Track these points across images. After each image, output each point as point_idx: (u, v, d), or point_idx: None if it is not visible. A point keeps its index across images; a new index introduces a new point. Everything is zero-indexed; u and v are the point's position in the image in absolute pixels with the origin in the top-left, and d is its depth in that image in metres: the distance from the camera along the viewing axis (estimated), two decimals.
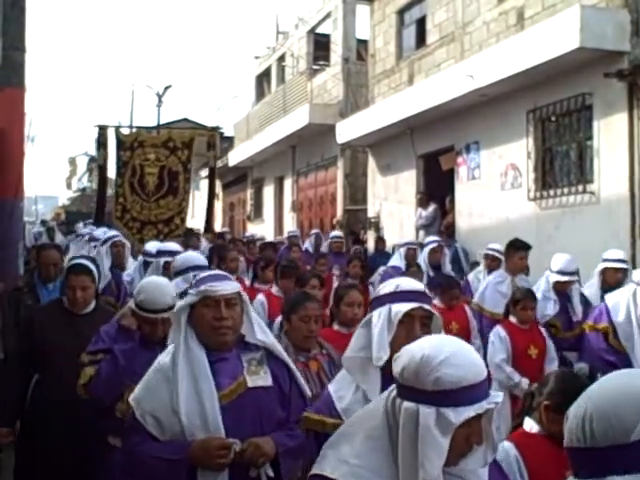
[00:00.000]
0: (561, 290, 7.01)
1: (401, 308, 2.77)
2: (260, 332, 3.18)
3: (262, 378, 3.10)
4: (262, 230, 22.70)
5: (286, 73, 24.20)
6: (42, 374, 4.75)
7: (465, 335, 6.62)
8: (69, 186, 34.78)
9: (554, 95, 11.32)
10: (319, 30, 22.16)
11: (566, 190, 11.27)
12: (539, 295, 6.72)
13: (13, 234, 10.81)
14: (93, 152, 33.19)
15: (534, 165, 11.90)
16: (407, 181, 15.89)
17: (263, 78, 27.41)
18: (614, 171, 10.34)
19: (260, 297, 6.93)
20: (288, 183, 23.31)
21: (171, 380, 2.96)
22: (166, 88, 29.92)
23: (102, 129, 12.70)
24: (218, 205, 27.08)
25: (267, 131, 22.40)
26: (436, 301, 6.81)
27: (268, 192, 25.21)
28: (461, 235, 13.60)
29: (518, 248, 8.03)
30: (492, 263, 8.73)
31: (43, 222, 21.04)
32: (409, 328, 2.76)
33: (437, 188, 14.86)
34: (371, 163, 17.64)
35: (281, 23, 26.24)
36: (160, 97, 28.85)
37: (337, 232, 13.25)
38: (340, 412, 2.77)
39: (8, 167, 8.88)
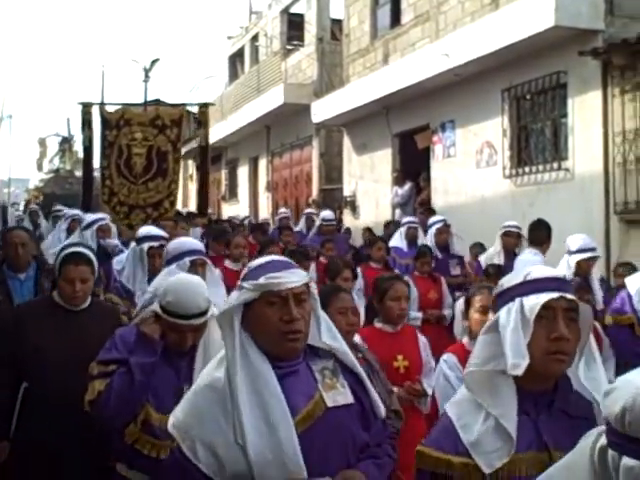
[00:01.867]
0: (584, 272, 6.67)
1: (537, 300, 2.16)
2: (328, 333, 2.54)
3: (341, 394, 2.45)
4: (237, 210, 22.68)
5: (260, 53, 24.12)
6: (33, 382, 4.02)
7: None
8: (40, 167, 34.19)
9: (529, 73, 11.43)
10: (293, 10, 22.11)
11: (541, 167, 11.42)
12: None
13: None
14: (64, 132, 32.74)
15: (509, 143, 12.03)
16: (383, 160, 15.97)
17: (236, 58, 27.28)
18: (588, 148, 10.49)
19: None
20: (263, 163, 23.30)
21: (228, 402, 2.30)
22: (153, 62, 28.75)
23: (86, 106, 11.77)
24: (192, 186, 27.02)
25: (241, 111, 22.34)
26: None
27: (243, 172, 25.18)
28: (437, 213, 13.72)
29: None
30: (509, 240, 8.40)
31: (26, 205, 19.56)
32: (551, 325, 2.16)
33: (413, 166, 14.95)
34: (346, 142, 17.68)
35: (254, 2, 26.19)
36: (147, 72, 27.87)
37: (328, 213, 12.46)
38: (468, 447, 2.11)
39: None
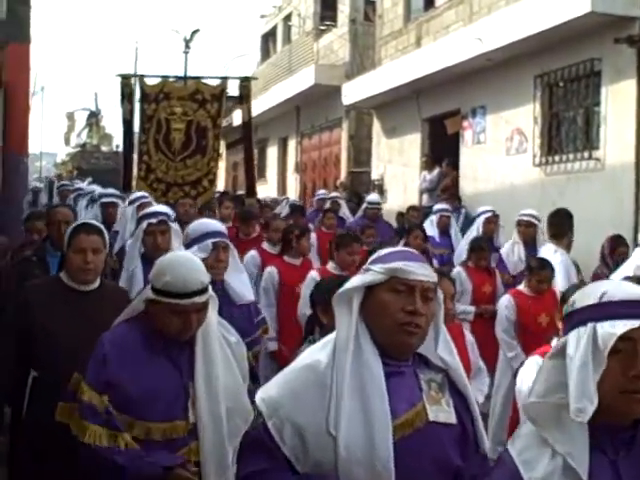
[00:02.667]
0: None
1: (614, 329, 1.75)
2: (444, 346, 2.30)
3: (445, 412, 2.23)
4: (265, 191, 22.67)
5: (292, 33, 23.99)
6: (42, 370, 3.75)
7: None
8: (67, 142, 34.34)
9: (562, 60, 11.23)
10: None
11: (572, 156, 11.24)
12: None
13: (18, 190, 10.87)
14: (92, 106, 32.85)
15: (540, 130, 11.85)
16: (412, 144, 15.84)
17: (269, 37, 27.19)
18: (621, 138, 10.30)
19: (313, 274, 5.88)
20: (292, 144, 23.24)
21: (327, 387, 2.14)
22: (194, 32, 27.61)
23: (125, 79, 11.21)
24: (222, 165, 27.03)
25: (272, 91, 22.25)
26: (522, 287, 6.19)
27: (272, 152, 25.13)
28: (465, 199, 13.59)
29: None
30: (526, 230, 7.86)
31: (51, 181, 18.41)
32: (630, 360, 1.77)
33: (442, 152, 14.80)
34: (376, 125, 17.56)
35: None
36: (187, 43, 26.91)
37: (374, 196, 11.95)
38: None
39: (14, 122, 8.87)
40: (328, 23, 21.16)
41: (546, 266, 5.95)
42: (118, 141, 35.04)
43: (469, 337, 4.74)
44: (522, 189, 12.05)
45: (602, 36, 10.31)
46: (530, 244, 7.77)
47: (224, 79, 11.70)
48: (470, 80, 13.32)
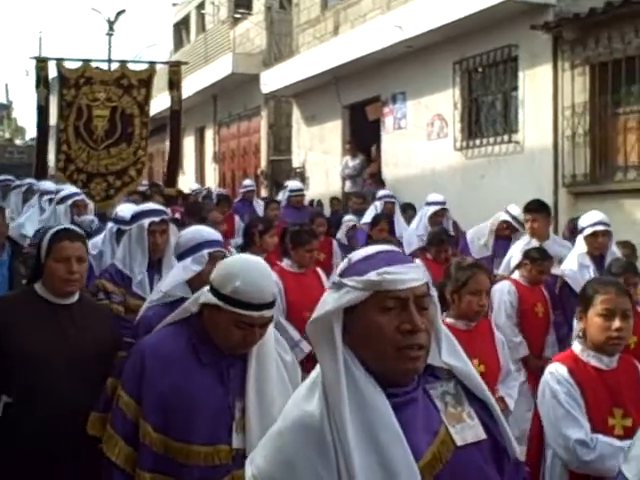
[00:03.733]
0: (597, 251, 5.97)
1: None
2: (449, 350, 1.92)
3: (471, 427, 1.85)
4: (183, 182, 22.44)
5: (206, 21, 23.77)
6: (19, 397, 3.22)
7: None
8: None
9: (480, 46, 11.52)
10: None
11: (492, 140, 11.56)
12: (575, 264, 5.89)
13: None
14: (2, 99, 31.81)
15: (460, 115, 12.13)
16: (332, 131, 15.95)
17: (181, 26, 26.84)
18: (538, 121, 10.64)
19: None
20: (209, 134, 23.06)
21: (329, 445, 1.68)
22: (119, 13, 26.48)
23: (41, 62, 10.56)
24: None
25: (187, 81, 21.94)
26: (516, 276, 5.86)
27: (189, 143, 24.86)
28: (388, 185, 13.79)
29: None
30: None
31: None
32: None
33: (363, 138, 14.95)
34: (296, 113, 17.61)
35: None
36: (111, 24, 25.65)
37: (296, 183, 11.68)
38: None
39: None
40: (243, 11, 21.05)
41: (547, 257, 5.79)
42: (32, 134, 34.11)
43: (499, 336, 4.31)
44: (444, 173, 12.31)
45: (518, 23, 10.61)
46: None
47: (152, 63, 11.26)
48: (389, 67, 13.50)
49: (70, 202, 6.99)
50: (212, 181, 22.26)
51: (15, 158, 25.24)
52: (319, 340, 1.79)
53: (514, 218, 7.17)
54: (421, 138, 13.07)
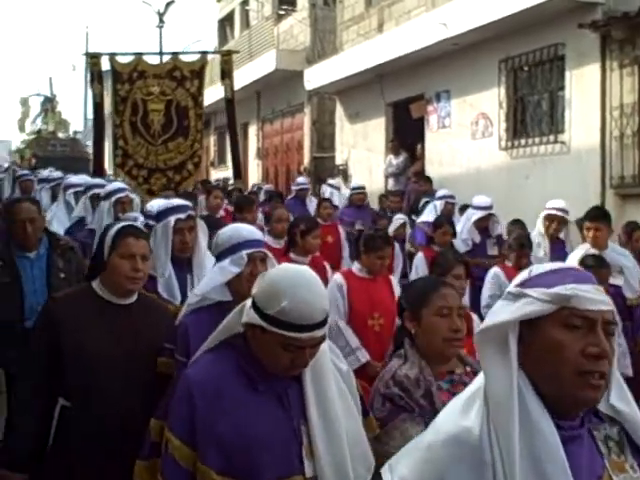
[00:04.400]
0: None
1: None
2: (620, 394, 1.74)
3: None
4: (227, 175, 22.58)
5: (250, 18, 23.83)
6: (73, 398, 3.13)
7: None
8: (22, 129, 33.38)
9: (527, 45, 11.37)
10: None
11: (537, 140, 11.41)
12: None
13: None
14: (46, 92, 32.06)
15: (505, 114, 12.00)
16: (376, 129, 15.90)
17: (226, 22, 26.95)
18: (585, 121, 10.48)
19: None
20: (253, 130, 23.14)
21: (489, 466, 1.57)
22: (168, 4, 25.14)
23: (94, 57, 10.33)
24: None
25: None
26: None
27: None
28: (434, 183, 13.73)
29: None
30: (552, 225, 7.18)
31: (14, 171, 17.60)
32: None
33: (406, 136, 14.89)
34: (339, 110, 17.59)
35: None
36: (161, 16, 24.97)
37: (357, 181, 11.37)
38: None
39: None
40: (287, 8, 21.07)
41: (604, 265, 5.61)
42: (75, 127, 34.42)
43: None
44: (488, 173, 12.20)
45: (566, 21, 10.45)
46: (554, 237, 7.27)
47: (203, 54, 11.04)
48: (434, 64, 13.40)
49: (114, 199, 6.76)
50: (255, 177, 22.35)
51: (58, 151, 25.28)
52: (489, 352, 1.64)
53: (557, 209, 7.15)
54: (465, 137, 12.97)
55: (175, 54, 10.70)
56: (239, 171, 11.08)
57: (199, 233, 4.39)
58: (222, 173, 24.56)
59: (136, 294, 3.29)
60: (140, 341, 3.14)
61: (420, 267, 6.97)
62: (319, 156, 19.06)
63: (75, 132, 30.54)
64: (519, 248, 6.34)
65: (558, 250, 6.81)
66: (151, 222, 4.83)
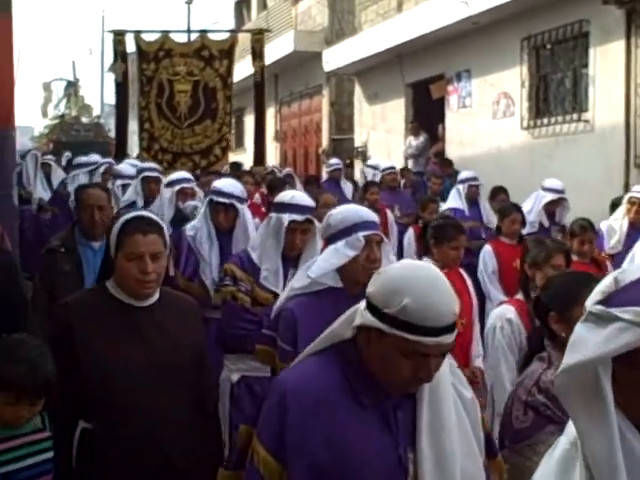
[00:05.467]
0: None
1: None
2: None
3: None
4: (244, 159, 22.52)
5: None
6: (97, 419, 2.75)
7: None
8: (45, 114, 33.31)
9: (549, 22, 11.19)
10: None
11: (560, 119, 11.25)
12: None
13: (6, 167, 10.53)
14: (69, 77, 32.06)
15: (527, 93, 11.84)
16: (395, 110, 15.77)
17: (242, 4, 26.82)
18: (609, 100, 10.31)
19: None
20: (271, 112, 22.99)
21: None
22: None
23: (118, 35, 9.77)
24: None
25: (248, 58, 21.99)
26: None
27: (249, 121, 24.85)
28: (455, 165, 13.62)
29: None
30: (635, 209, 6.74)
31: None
32: None
33: (426, 117, 14.75)
34: (358, 91, 17.47)
35: None
36: None
37: (386, 161, 10.61)
38: None
39: None
40: None
41: (589, 229, 5.69)
42: (98, 112, 34.36)
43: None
44: (510, 153, 12.06)
45: None
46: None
47: (233, 32, 10.67)
48: (454, 44, 13.24)
49: (177, 188, 6.40)
50: (273, 159, 22.23)
51: (81, 136, 25.25)
52: (576, 400, 1.28)
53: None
54: (487, 117, 12.82)
55: (203, 32, 10.23)
56: (262, 156, 10.70)
57: (316, 237, 3.93)
58: (240, 156, 24.54)
59: (157, 292, 2.87)
60: (168, 345, 2.78)
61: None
62: (338, 138, 18.94)
63: (99, 116, 30.41)
64: (581, 232, 5.55)
65: (633, 240, 6.20)
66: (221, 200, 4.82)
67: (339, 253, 2.99)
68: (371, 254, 3.01)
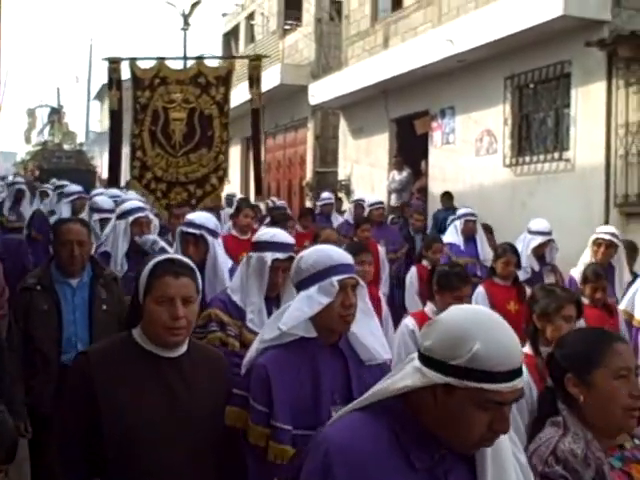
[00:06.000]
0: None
1: None
2: None
3: None
4: (228, 190, 22.55)
5: (255, 32, 23.90)
6: (113, 475, 2.55)
7: None
8: (28, 140, 33.30)
9: (532, 62, 11.38)
10: None
11: (542, 157, 11.39)
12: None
13: None
14: (53, 103, 32.06)
15: (510, 131, 11.98)
16: (379, 145, 15.89)
17: (231, 36, 27.04)
18: (590, 139, 10.45)
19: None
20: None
21: None
22: (194, 5, 23.81)
23: (113, 62, 9.54)
24: None
25: (235, 91, 22.09)
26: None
27: (235, 152, 24.96)
28: (435, 200, 13.69)
29: None
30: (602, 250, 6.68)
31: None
32: None
33: (410, 152, 14.87)
34: (342, 125, 17.60)
35: None
36: (186, 18, 24.28)
37: (374, 196, 10.54)
38: None
39: None
40: (292, 22, 21.13)
41: (603, 276, 5.59)
42: (82, 139, 34.33)
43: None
44: (492, 190, 12.17)
45: (572, 39, 10.45)
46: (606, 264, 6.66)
47: (230, 59, 10.44)
48: (439, 81, 13.40)
49: (132, 219, 5.93)
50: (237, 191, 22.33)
51: (63, 163, 25.21)
52: None
53: (607, 233, 6.73)
54: (470, 153, 12.95)
55: (200, 58, 10.04)
56: (260, 188, 10.33)
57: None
58: (225, 187, 24.54)
59: (186, 343, 2.67)
60: (194, 400, 2.58)
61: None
62: (322, 171, 19.04)
63: (81, 144, 30.44)
64: (595, 279, 5.46)
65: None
66: (194, 231, 4.70)
67: (312, 301, 2.75)
68: (346, 299, 2.77)
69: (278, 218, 7.84)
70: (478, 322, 1.78)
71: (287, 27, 21.11)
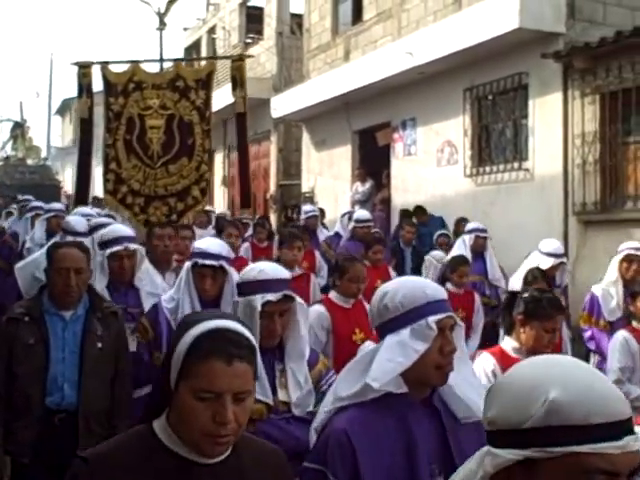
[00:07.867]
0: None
1: None
2: None
3: None
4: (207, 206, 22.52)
5: (217, 46, 23.95)
6: None
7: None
8: None
9: (491, 74, 11.57)
10: (252, 3, 22.00)
11: (502, 167, 11.57)
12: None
13: None
14: (16, 117, 31.65)
15: (470, 142, 12.15)
16: (342, 156, 16.01)
17: (192, 50, 27.06)
18: (548, 149, 10.65)
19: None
20: (219, 157, 23.14)
21: None
22: (170, 3, 22.26)
23: (83, 67, 8.64)
24: None
25: (215, 94, 22.14)
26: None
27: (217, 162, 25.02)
28: (397, 211, 13.82)
29: None
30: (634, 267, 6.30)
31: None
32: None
33: (373, 164, 15.01)
34: (305, 138, 17.69)
35: None
36: (162, 17, 24.12)
37: (364, 212, 9.91)
38: None
39: None
40: (254, 36, 21.23)
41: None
42: (45, 153, 33.86)
43: None
44: (453, 200, 12.32)
45: (529, 51, 10.65)
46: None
47: (211, 59, 9.63)
48: (400, 93, 13.55)
49: (109, 252, 5.04)
50: (221, 205, 22.31)
51: (27, 178, 24.69)
52: None
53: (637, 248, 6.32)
54: (431, 164, 13.10)
55: (177, 61, 9.32)
56: (248, 199, 9.22)
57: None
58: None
59: (230, 448, 1.82)
60: None
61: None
62: (285, 183, 19.11)
63: (44, 158, 30.04)
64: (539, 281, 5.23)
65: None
66: (213, 263, 4.06)
67: (406, 348, 2.18)
68: (446, 345, 2.21)
69: (285, 237, 7.08)
70: (550, 366, 1.35)
71: (248, 41, 21.21)
